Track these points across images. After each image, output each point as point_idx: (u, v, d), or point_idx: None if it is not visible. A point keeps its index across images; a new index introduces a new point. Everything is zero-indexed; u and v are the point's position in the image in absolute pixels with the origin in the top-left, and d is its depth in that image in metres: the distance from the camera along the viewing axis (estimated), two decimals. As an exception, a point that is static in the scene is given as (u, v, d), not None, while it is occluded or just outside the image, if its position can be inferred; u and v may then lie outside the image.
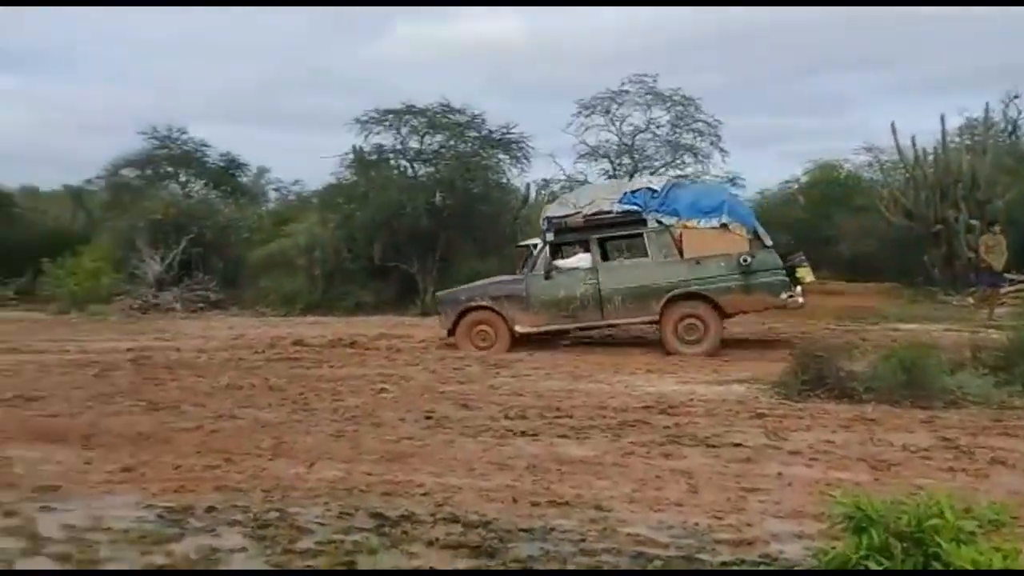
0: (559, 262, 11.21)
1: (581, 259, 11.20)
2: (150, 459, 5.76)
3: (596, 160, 21.27)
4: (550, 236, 11.14)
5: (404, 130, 16.41)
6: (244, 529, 4.41)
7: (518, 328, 11.06)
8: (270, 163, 26.22)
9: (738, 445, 6.08)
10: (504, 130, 16.90)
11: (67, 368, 9.68)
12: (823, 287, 19.39)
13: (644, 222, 10.86)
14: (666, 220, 10.80)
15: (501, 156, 17.09)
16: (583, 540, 4.20)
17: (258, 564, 3.98)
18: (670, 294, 10.53)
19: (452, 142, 16.59)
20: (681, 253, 10.69)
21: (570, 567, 3.89)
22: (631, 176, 21.19)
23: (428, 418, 7.06)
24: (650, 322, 10.91)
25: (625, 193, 11.24)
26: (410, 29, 47.11)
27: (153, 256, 17.12)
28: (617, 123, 20.93)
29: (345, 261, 15.94)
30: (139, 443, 6.23)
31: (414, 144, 16.62)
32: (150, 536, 4.29)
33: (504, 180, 17.52)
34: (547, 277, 10.96)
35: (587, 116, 20.81)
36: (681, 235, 10.72)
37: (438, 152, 16.69)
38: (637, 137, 21.02)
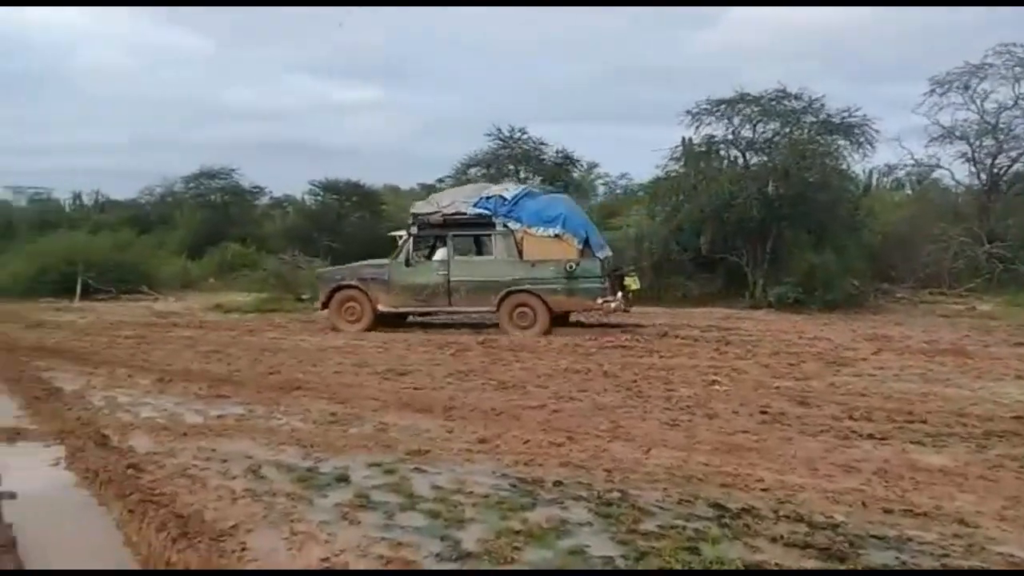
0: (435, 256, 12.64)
1: (441, 253, 12.58)
2: (502, 432, 6.26)
3: (951, 142, 19.10)
4: (414, 230, 12.75)
5: (736, 119, 16.01)
6: (589, 505, 4.65)
7: (380, 307, 12.65)
8: (598, 158, 27.10)
9: None
10: (844, 114, 15.82)
11: (427, 347, 10.79)
12: None
13: (493, 225, 12.28)
14: (512, 225, 12.24)
15: (841, 142, 16.00)
16: (946, 555, 3.88)
17: (604, 540, 4.17)
18: (507, 290, 12.04)
19: (787, 129, 15.87)
20: (521, 255, 12.15)
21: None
22: (994, 158, 18.95)
23: (763, 413, 6.90)
24: (489, 312, 12.24)
25: (480, 198, 12.65)
26: (743, 14, 45.82)
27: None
28: (978, 100, 18.67)
29: (673, 252, 15.98)
30: (491, 417, 6.79)
31: (746, 133, 16.17)
32: (507, 503, 4.68)
33: (844, 167, 16.38)
34: (407, 265, 12.55)
35: (941, 94, 18.72)
36: (523, 239, 12.16)
37: (771, 140, 16.06)
38: (1002, 115, 18.58)
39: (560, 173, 24.12)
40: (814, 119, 15.81)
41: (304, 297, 17.06)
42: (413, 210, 13.31)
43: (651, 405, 7.22)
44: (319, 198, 27.10)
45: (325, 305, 13.09)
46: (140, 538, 4.25)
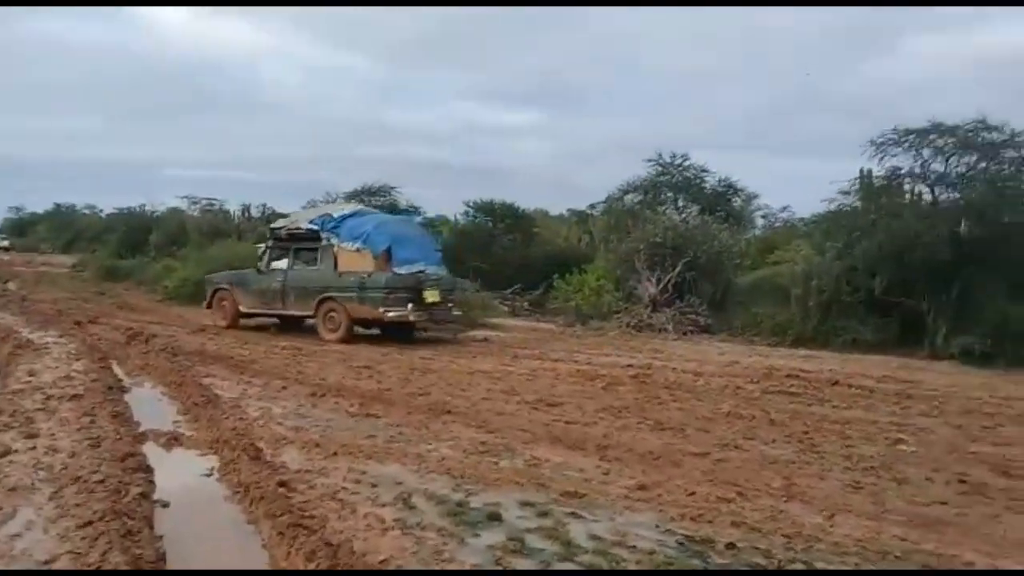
0: (275, 264, 14.46)
1: (281, 263, 14.39)
2: (662, 480, 5.77)
3: None
4: (270, 242, 14.80)
5: (926, 151, 14.69)
6: None
7: (241, 307, 14.69)
8: (757, 189, 25.85)
9: None
10: (1055, 148, 14.15)
11: (576, 378, 10.38)
12: None
13: (319, 239, 14.01)
14: (333, 240, 13.91)
15: (1050, 180, 14.31)
16: None
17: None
18: (320, 296, 13.65)
19: (984, 164, 14.42)
20: (336, 266, 13.70)
21: None
22: None
23: (961, 482, 6.09)
24: (309, 316, 13.98)
25: (318, 216, 14.63)
26: (923, 42, 43.21)
27: (649, 278, 17.85)
28: None
29: (844, 293, 14.83)
30: (650, 462, 6.30)
31: (937, 167, 14.79)
32: (675, 563, 4.22)
33: (1054, 209, 14.63)
34: (260, 272, 14.53)
35: None
36: (337, 253, 13.78)
37: (965, 176, 14.65)
38: None
39: (720, 202, 23.19)
40: (1016, 154, 14.27)
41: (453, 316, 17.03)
42: (271, 225, 15.83)
43: (828, 462, 6.53)
44: (473, 218, 27.28)
45: (209, 304, 15.22)
46: (288, 563, 4.07)
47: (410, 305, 13.24)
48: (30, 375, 8.85)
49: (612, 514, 5.00)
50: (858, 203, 15.93)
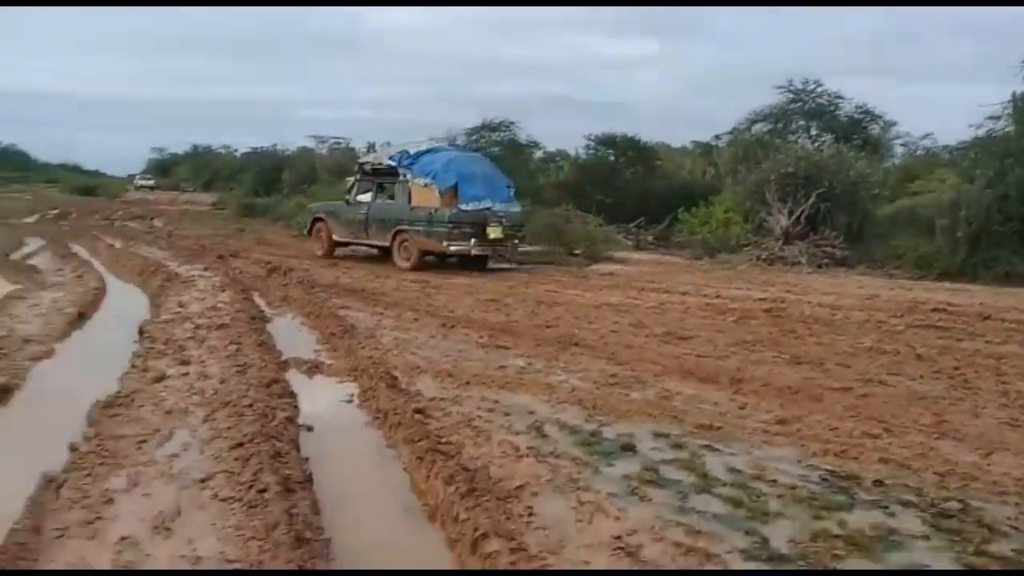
0: (360, 196, 15.23)
1: (366, 195, 15.14)
2: (802, 415, 5.58)
3: None
4: (357, 176, 15.76)
5: (1092, 69, 13.43)
6: (920, 514, 3.94)
7: (334, 236, 15.47)
8: (896, 116, 24.32)
9: None
10: None
11: (707, 312, 10.15)
12: None
13: (397, 174, 14.57)
14: (408, 175, 14.44)
15: None
16: None
17: (946, 560, 3.49)
18: (396, 228, 14.31)
19: None
20: (410, 201, 14.27)
21: None
22: None
23: None
24: (386, 246, 14.55)
25: (396, 153, 15.11)
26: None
27: (781, 209, 17.19)
28: None
29: (995, 223, 13.85)
30: (787, 396, 6.10)
31: (1104, 85, 13.51)
32: (818, 500, 4.08)
33: None
34: (348, 204, 15.35)
35: None
36: (411, 188, 14.33)
37: None
38: None
39: (856, 129, 21.96)
40: None
41: (576, 252, 16.96)
42: (359, 160, 16.83)
43: (982, 399, 6.16)
44: (594, 152, 26.84)
45: (310, 232, 16.21)
46: (428, 487, 4.16)
47: (473, 240, 13.77)
48: (180, 306, 9.35)
49: (749, 448, 4.88)
50: (1010, 128, 14.79)
